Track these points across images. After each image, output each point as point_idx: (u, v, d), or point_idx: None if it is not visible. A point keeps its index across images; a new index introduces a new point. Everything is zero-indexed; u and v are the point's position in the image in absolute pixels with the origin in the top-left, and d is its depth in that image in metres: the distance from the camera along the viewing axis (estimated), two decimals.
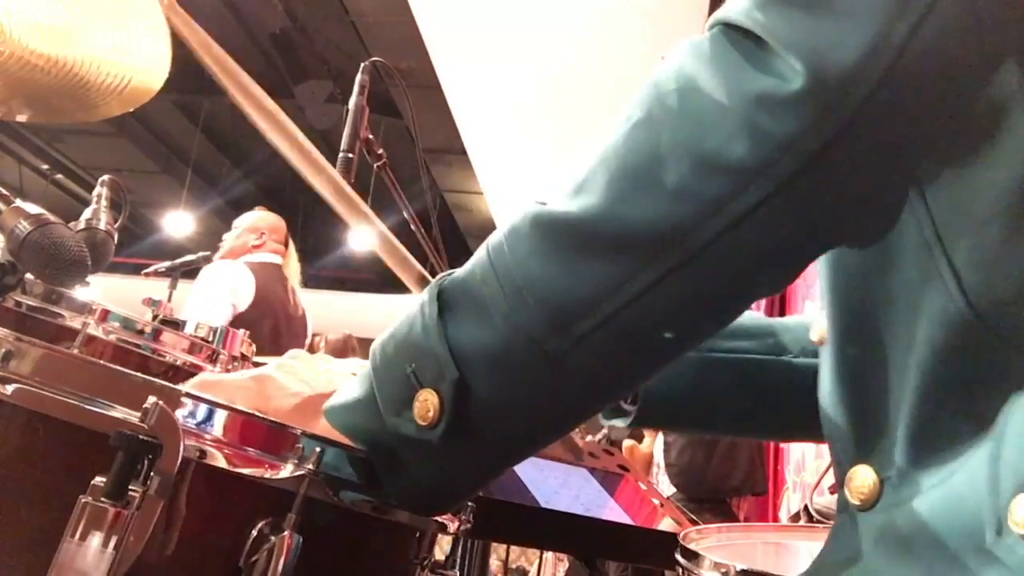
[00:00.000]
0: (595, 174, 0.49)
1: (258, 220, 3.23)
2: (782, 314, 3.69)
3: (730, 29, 0.47)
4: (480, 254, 0.53)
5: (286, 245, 3.22)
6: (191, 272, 3.19)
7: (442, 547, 0.73)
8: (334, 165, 1.73)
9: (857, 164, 0.45)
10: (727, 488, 3.13)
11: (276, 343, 2.78)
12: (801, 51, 0.43)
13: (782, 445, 3.66)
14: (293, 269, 3.20)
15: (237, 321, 2.77)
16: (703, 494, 3.09)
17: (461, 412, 0.51)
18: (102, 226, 1.00)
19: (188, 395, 0.50)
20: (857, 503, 0.51)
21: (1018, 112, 0.44)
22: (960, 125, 0.46)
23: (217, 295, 2.83)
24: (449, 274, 0.55)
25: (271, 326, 2.89)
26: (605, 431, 3.89)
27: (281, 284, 3.06)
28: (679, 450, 3.13)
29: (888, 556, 0.47)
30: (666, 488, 3.09)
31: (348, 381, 0.59)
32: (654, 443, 3.48)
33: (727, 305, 0.51)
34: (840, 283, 0.54)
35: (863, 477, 0.51)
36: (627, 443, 3.74)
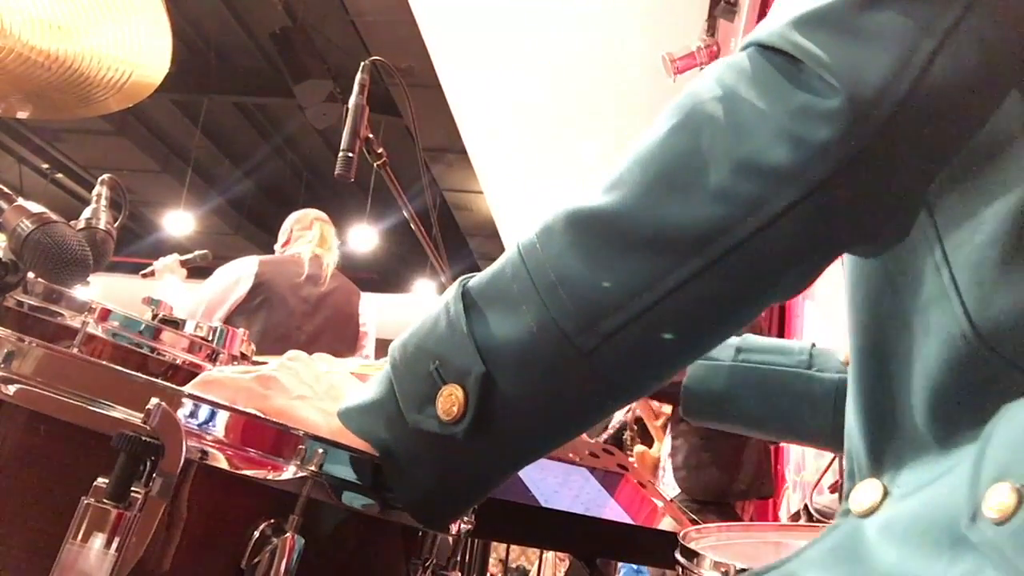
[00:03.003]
0: (631, 172, 0.51)
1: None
2: (782, 313, 3.69)
3: (765, 50, 0.50)
4: (509, 253, 0.54)
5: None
6: (195, 271, 3.20)
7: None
8: (334, 163, 1.74)
9: (883, 172, 0.47)
10: (734, 492, 3.12)
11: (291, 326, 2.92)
12: (837, 71, 0.46)
13: (782, 445, 3.66)
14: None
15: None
16: (708, 497, 3.08)
17: (487, 407, 0.51)
18: (102, 225, 1.00)
19: (190, 396, 0.50)
20: (858, 512, 0.52)
21: (1021, 140, 0.47)
22: (970, 147, 0.48)
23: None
24: (471, 276, 0.56)
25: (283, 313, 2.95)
26: (609, 432, 3.89)
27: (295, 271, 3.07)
28: (685, 453, 3.12)
29: (876, 549, 0.48)
30: (672, 490, 3.08)
31: (359, 384, 0.59)
32: (662, 448, 3.47)
33: (751, 304, 0.52)
34: (860, 304, 0.55)
35: (870, 490, 0.52)
36: (638, 449, 3.76)
